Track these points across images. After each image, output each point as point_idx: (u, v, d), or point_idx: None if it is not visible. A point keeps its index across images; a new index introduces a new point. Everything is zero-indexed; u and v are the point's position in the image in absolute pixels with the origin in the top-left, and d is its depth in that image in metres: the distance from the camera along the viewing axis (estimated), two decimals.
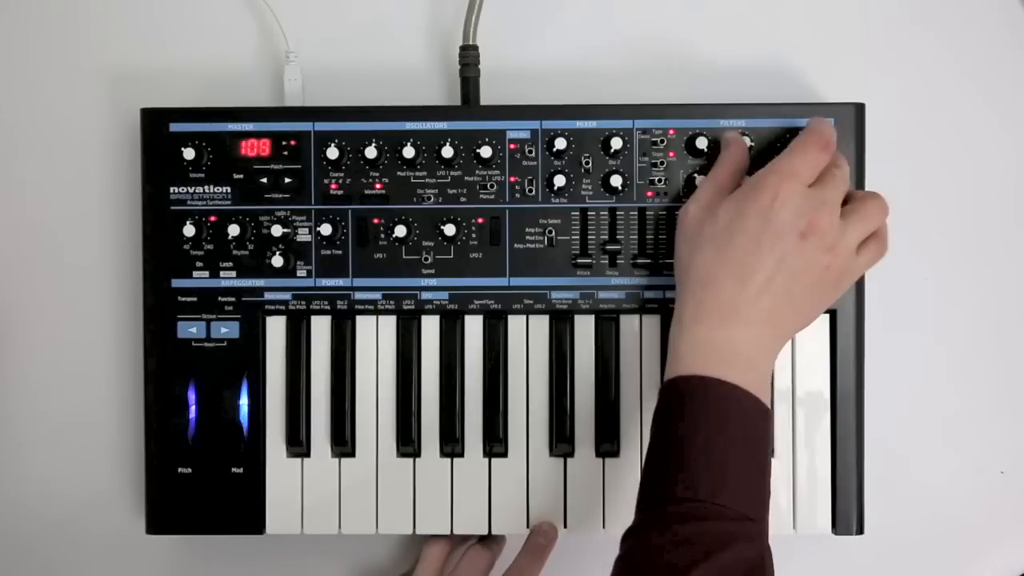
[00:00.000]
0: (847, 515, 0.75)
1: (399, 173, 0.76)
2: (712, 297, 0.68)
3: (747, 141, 0.75)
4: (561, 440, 0.76)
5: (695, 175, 0.75)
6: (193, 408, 0.76)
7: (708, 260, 0.69)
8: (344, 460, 0.77)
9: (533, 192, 0.76)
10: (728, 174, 0.73)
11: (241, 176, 0.76)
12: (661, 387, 0.68)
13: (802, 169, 0.70)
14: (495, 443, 0.76)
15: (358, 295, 0.76)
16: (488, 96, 0.79)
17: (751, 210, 0.69)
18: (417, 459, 0.77)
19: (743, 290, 0.68)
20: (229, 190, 0.76)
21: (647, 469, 0.67)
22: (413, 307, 0.76)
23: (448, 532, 0.76)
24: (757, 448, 0.66)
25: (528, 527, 0.76)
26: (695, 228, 0.71)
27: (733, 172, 0.73)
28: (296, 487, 0.77)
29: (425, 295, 0.76)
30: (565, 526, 0.76)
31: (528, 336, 0.77)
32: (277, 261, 0.76)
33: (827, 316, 0.76)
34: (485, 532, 0.77)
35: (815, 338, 0.76)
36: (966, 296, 0.82)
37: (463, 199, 0.76)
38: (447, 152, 0.75)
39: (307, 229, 0.76)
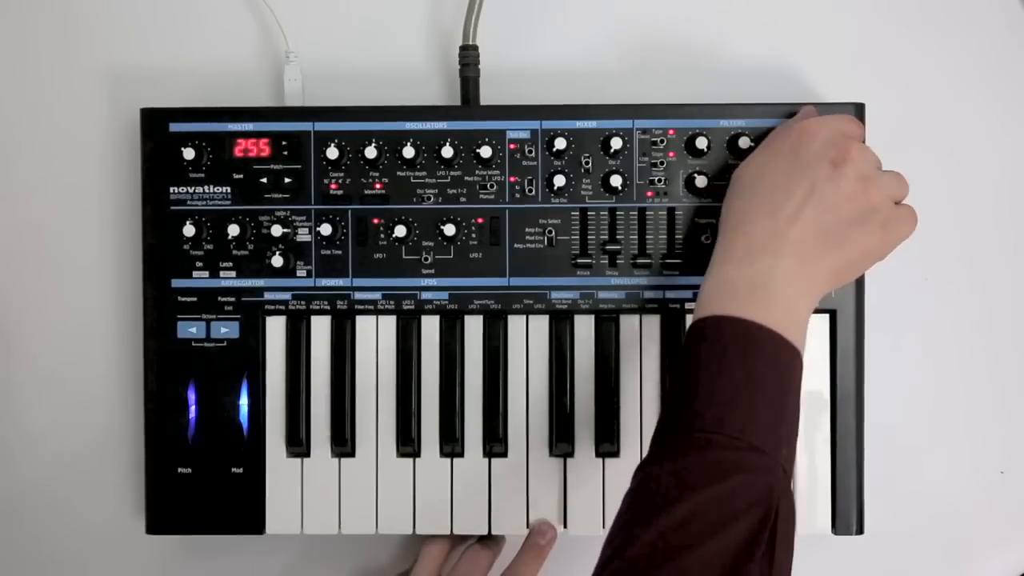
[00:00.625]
0: (847, 515, 0.75)
1: (399, 173, 0.76)
2: (741, 235, 0.68)
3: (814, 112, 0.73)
4: (561, 440, 0.76)
5: (695, 175, 0.75)
6: (193, 408, 0.76)
7: (741, 203, 0.69)
8: (344, 460, 0.77)
9: (533, 192, 0.76)
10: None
11: (241, 176, 0.76)
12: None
13: (831, 121, 0.70)
14: (495, 443, 0.76)
15: (358, 295, 0.76)
16: (488, 96, 0.79)
17: (781, 147, 0.69)
18: (417, 459, 0.77)
19: (772, 223, 0.67)
20: (229, 190, 0.76)
21: (662, 410, 0.67)
22: (413, 307, 0.76)
23: (448, 532, 0.76)
24: (775, 383, 0.64)
25: (528, 527, 0.76)
26: (736, 182, 0.71)
27: None
28: (296, 487, 0.77)
29: (425, 295, 0.76)
30: (565, 526, 0.76)
31: (528, 336, 0.77)
32: (277, 261, 0.76)
33: (827, 316, 0.76)
34: (485, 532, 0.77)
35: (815, 338, 0.76)
36: (965, 296, 0.82)
37: (463, 199, 0.76)
38: (447, 152, 0.75)
39: (307, 229, 0.76)
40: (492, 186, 0.76)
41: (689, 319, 0.69)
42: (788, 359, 0.65)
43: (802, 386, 0.68)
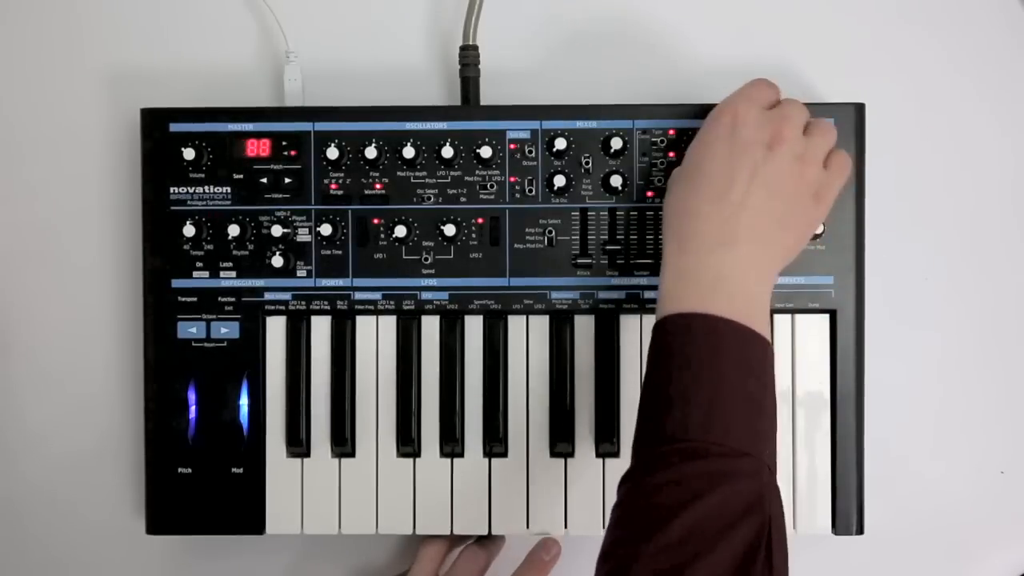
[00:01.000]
0: (847, 515, 0.75)
1: (399, 173, 0.76)
2: (691, 226, 0.67)
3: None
4: (561, 440, 0.76)
5: None
6: (193, 408, 0.76)
7: (684, 194, 0.69)
8: (344, 460, 0.77)
9: (533, 192, 0.76)
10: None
11: (241, 176, 0.76)
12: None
13: (754, 94, 0.70)
14: (495, 443, 0.76)
15: (358, 295, 0.76)
16: (488, 96, 0.79)
17: (714, 136, 0.69)
18: (417, 459, 0.77)
19: (720, 209, 0.66)
20: (229, 190, 0.76)
21: (639, 414, 0.66)
22: (413, 307, 0.76)
23: (448, 532, 0.76)
24: (749, 379, 0.64)
25: (528, 527, 0.76)
26: (674, 179, 0.71)
27: None
28: (296, 487, 0.77)
29: (425, 295, 0.76)
30: (565, 526, 0.76)
31: (528, 336, 0.77)
32: (277, 261, 0.76)
33: (827, 316, 0.76)
34: (485, 532, 0.77)
35: (815, 338, 0.76)
36: (966, 296, 0.82)
37: (463, 199, 0.76)
38: (447, 152, 0.75)
39: (307, 229, 0.76)
40: (492, 186, 0.76)
41: None
42: (759, 352, 0.65)
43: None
